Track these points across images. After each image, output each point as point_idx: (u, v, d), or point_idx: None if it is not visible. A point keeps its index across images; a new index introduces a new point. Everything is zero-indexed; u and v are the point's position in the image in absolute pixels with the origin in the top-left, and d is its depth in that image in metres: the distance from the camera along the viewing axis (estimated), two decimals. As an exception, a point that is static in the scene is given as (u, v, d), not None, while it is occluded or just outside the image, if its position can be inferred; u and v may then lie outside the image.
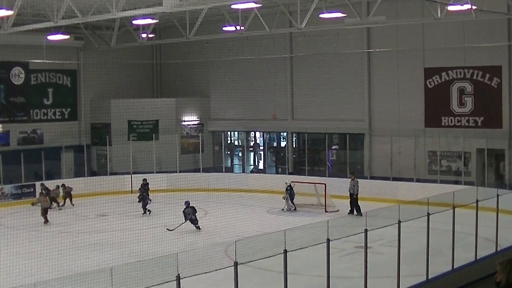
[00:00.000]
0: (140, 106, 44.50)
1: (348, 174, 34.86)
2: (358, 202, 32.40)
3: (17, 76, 42.74)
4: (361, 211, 30.86)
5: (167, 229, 29.03)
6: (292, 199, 34.30)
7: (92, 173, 42.74)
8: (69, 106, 45.71)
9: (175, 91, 47.92)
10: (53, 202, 34.92)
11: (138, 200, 34.65)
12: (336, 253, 18.91)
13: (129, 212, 34.70)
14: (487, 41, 34.35)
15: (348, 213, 31.96)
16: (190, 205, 30.14)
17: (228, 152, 47.48)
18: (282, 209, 34.30)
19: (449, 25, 34.28)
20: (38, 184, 36.67)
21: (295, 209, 34.24)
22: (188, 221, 29.75)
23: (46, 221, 31.88)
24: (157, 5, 26.78)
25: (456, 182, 34.82)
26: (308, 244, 16.27)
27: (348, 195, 32.96)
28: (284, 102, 43.47)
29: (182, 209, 30.09)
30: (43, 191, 34.65)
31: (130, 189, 37.75)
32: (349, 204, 32.72)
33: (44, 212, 32.04)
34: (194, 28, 35.83)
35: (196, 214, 30.05)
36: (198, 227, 29.95)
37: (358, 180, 33.43)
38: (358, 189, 32.77)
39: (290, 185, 34.52)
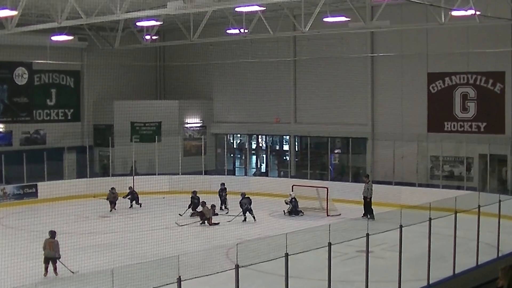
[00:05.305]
0: (143, 108, 44.49)
1: (363, 178, 34.84)
2: (372, 206, 32.41)
3: (21, 77, 42.81)
4: (374, 214, 31.10)
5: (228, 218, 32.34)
6: (296, 208, 34.16)
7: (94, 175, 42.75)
8: (72, 107, 45.77)
9: (178, 93, 47.97)
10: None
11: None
12: (337, 257, 18.89)
13: (130, 213, 34.78)
14: (491, 47, 34.35)
15: (362, 216, 31.85)
16: (246, 196, 32.81)
17: (231, 155, 47.46)
18: (284, 213, 34.23)
19: (453, 30, 34.29)
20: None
21: (303, 213, 34.18)
22: (242, 212, 32.46)
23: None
24: (161, 7, 26.80)
25: (458, 188, 34.75)
26: (309, 248, 16.25)
27: (362, 198, 33.01)
28: (287, 105, 43.44)
29: (239, 201, 32.84)
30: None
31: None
32: (363, 207, 32.68)
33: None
34: (198, 30, 35.83)
35: (252, 205, 32.61)
36: (254, 218, 32.27)
37: (372, 184, 33.58)
38: (372, 193, 32.78)
39: (294, 197, 34.43)
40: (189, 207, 33.89)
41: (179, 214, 33.34)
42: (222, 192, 36.06)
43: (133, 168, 41.72)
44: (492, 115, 35.56)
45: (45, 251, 22.53)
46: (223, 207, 35.41)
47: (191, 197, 34.36)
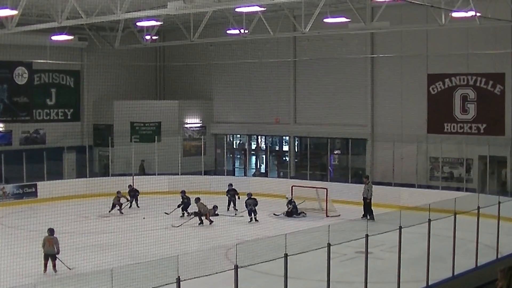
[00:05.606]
0: (143, 108, 44.46)
1: (362, 179, 34.86)
2: (372, 207, 32.41)
3: (21, 76, 42.78)
4: (373, 215, 31.24)
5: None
6: (296, 209, 34.15)
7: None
8: (72, 106, 45.76)
9: (178, 93, 47.93)
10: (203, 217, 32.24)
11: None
12: (336, 258, 18.88)
13: (130, 214, 34.76)
14: (491, 48, 34.31)
15: (362, 217, 31.83)
16: (252, 197, 33.01)
17: (231, 155, 47.44)
18: (276, 214, 34.32)
19: (453, 31, 34.24)
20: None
21: (305, 214, 34.16)
22: (247, 212, 32.59)
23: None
24: (161, 7, 26.79)
25: (458, 189, 34.75)
26: (309, 249, 16.24)
27: (362, 199, 32.98)
28: (287, 106, 43.43)
29: (244, 200, 33.18)
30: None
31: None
32: (362, 208, 32.66)
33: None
34: (198, 30, 35.82)
35: (257, 206, 32.70)
36: (256, 219, 32.34)
37: (372, 184, 33.59)
38: (372, 194, 32.78)
39: (291, 199, 34.41)
40: (178, 206, 33.82)
41: (165, 213, 33.33)
42: (228, 193, 36.00)
43: (142, 168, 41.99)
44: (492, 117, 35.54)
45: (44, 248, 22.76)
46: (231, 207, 35.37)
47: (181, 197, 34.29)
